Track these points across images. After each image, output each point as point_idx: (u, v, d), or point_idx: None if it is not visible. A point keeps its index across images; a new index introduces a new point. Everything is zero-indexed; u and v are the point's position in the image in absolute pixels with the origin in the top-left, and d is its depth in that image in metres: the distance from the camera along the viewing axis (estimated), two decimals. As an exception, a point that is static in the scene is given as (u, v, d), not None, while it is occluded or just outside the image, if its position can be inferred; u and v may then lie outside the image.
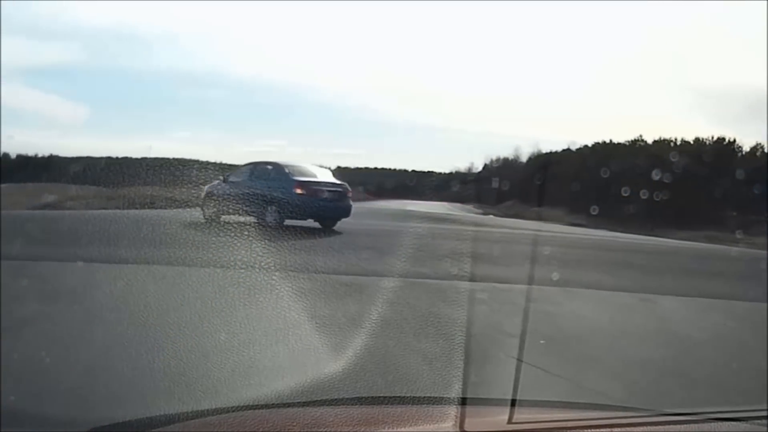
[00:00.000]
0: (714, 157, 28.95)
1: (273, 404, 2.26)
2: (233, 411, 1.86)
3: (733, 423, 1.72)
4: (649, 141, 33.69)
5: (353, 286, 5.62)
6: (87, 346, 3.41)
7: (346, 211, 11.71)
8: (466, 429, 1.52)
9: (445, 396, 2.28)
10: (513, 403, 1.83)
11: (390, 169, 44.07)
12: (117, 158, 19.33)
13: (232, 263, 4.83)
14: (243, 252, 5.07)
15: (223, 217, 10.23)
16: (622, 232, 20.47)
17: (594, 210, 24.80)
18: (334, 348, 3.26)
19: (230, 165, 16.64)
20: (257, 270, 4.55)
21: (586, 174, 30.16)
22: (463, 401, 1.92)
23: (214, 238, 6.66)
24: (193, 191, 10.45)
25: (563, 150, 39.03)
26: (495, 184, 38.81)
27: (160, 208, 10.55)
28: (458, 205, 34.48)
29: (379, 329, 3.92)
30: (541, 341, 4.22)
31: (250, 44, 51.60)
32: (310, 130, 50.52)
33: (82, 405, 2.55)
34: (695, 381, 3.81)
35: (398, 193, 36.72)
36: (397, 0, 45.50)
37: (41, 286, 4.89)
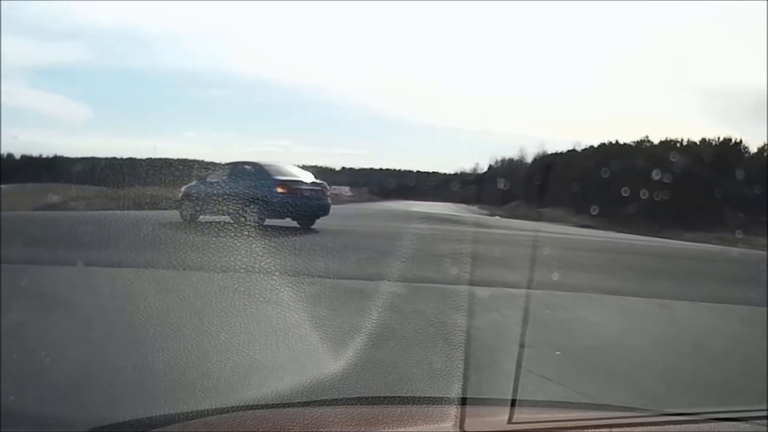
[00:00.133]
0: (721, 157, 28.91)
1: (273, 404, 2.26)
2: (233, 411, 1.86)
3: (733, 423, 1.72)
4: (655, 141, 33.72)
5: (356, 289, 5.49)
6: (87, 346, 3.41)
7: (325, 210, 11.81)
8: (466, 429, 1.52)
9: (445, 396, 2.28)
10: (513, 403, 1.83)
11: (394, 169, 44.02)
12: (121, 158, 19.37)
13: (232, 264, 4.82)
14: (243, 252, 5.06)
15: (201, 217, 10.30)
16: (629, 233, 20.35)
17: (598, 211, 24.79)
18: (334, 348, 3.25)
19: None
20: (257, 270, 4.54)
21: (592, 175, 30.08)
22: (463, 401, 1.91)
23: (213, 239, 6.65)
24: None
25: (568, 150, 39.01)
26: (500, 184, 38.82)
27: (161, 208, 10.59)
28: (463, 205, 34.38)
29: (379, 330, 3.90)
30: (557, 352, 4.10)
31: (254, 44, 51.67)
32: (315, 130, 50.58)
33: (82, 405, 2.55)
34: (726, 393, 3.60)
35: (403, 194, 36.67)
36: (408, 0, 45.40)
37: (41, 286, 4.89)
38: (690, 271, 10.64)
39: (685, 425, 1.73)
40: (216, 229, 6.51)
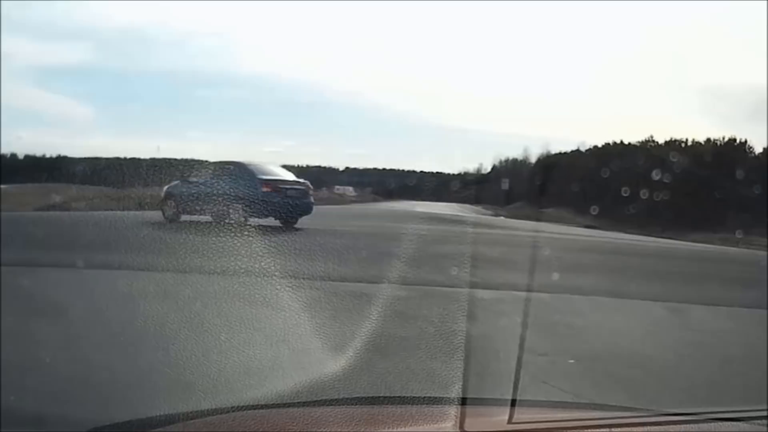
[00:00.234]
0: (725, 158, 28.84)
1: (273, 404, 2.26)
2: (233, 411, 1.86)
3: (733, 423, 1.72)
4: (660, 141, 33.64)
5: (357, 292, 5.32)
6: (87, 346, 3.41)
7: (308, 209, 11.91)
8: (466, 429, 1.52)
9: (445, 396, 2.28)
10: (513, 403, 1.83)
11: (398, 169, 43.95)
12: (125, 158, 19.41)
13: (232, 265, 4.82)
14: (242, 254, 5.07)
15: (184, 216, 10.44)
16: (634, 234, 20.24)
17: (602, 211, 24.73)
18: (334, 348, 3.25)
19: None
20: (257, 271, 4.54)
21: (596, 175, 29.99)
22: (463, 401, 1.92)
23: (213, 239, 6.64)
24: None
25: (573, 151, 38.93)
26: (504, 185, 38.77)
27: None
28: (467, 206, 34.30)
29: (380, 332, 3.88)
30: (570, 360, 3.98)
31: (259, 44, 51.60)
32: (319, 131, 50.45)
33: (82, 405, 2.55)
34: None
35: (407, 194, 36.60)
36: (412, 0, 45.40)
37: (40, 287, 4.89)
38: (702, 273, 10.39)
39: (685, 425, 1.73)
40: (205, 230, 6.49)
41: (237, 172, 11.34)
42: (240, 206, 10.13)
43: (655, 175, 23.05)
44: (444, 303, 5.19)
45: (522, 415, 1.64)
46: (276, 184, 11.18)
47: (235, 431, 1.63)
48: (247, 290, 4.37)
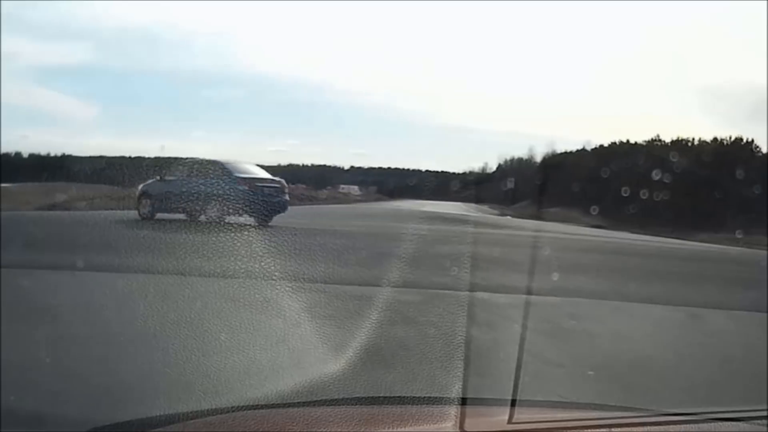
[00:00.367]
0: (731, 157, 28.74)
1: (273, 404, 2.26)
2: (233, 411, 1.86)
3: (733, 423, 1.72)
4: (666, 141, 33.52)
5: (358, 295, 5.16)
6: (87, 346, 3.41)
7: (283, 207, 12.04)
8: (466, 429, 1.52)
9: (445, 396, 2.28)
10: (513, 403, 1.83)
11: (403, 168, 43.84)
12: (130, 157, 19.49)
13: (232, 265, 4.81)
14: (242, 252, 5.05)
15: (159, 214, 10.63)
16: (641, 233, 20.03)
17: (609, 211, 24.65)
18: (334, 348, 3.25)
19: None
20: (257, 272, 4.53)
21: (602, 174, 29.86)
22: (463, 401, 1.92)
23: (212, 238, 6.63)
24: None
25: (578, 150, 38.76)
26: (510, 184, 38.64)
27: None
28: (473, 205, 34.18)
29: (380, 332, 3.87)
30: (590, 372, 3.78)
31: (263, 44, 51.54)
32: (323, 130, 50.43)
33: (82, 405, 2.55)
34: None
35: (412, 193, 36.47)
36: (416, 0, 45.32)
37: (40, 287, 4.89)
38: (718, 275, 10.04)
39: (685, 425, 1.73)
40: (180, 228, 6.38)
41: (212, 170, 11.48)
42: (215, 205, 10.27)
43: (662, 174, 22.91)
44: (453, 307, 4.86)
45: (522, 415, 1.64)
46: (253, 183, 11.29)
47: (235, 431, 1.63)
48: (246, 292, 4.36)
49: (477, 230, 15.87)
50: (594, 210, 26.49)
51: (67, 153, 23.66)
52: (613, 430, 1.61)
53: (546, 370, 3.61)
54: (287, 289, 4.15)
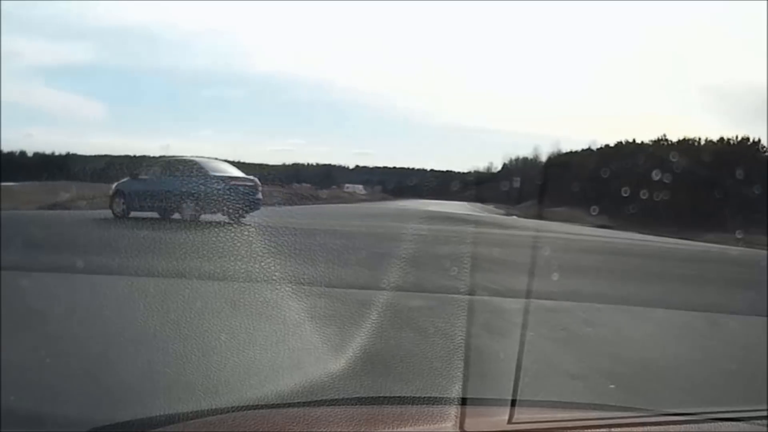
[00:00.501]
0: (739, 156, 28.64)
1: (273, 404, 2.26)
2: (233, 411, 1.86)
3: (733, 423, 1.72)
4: (672, 140, 33.37)
5: (360, 299, 4.99)
6: (87, 346, 3.41)
7: (257, 205, 12.05)
8: (466, 429, 1.52)
9: (445, 396, 2.28)
10: (513, 403, 1.83)
11: (408, 168, 43.72)
12: (132, 156, 19.58)
13: (231, 266, 4.81)
14: (242, 253, 5.05)
15: (133, 213, 10.78)
16: (648, 234, 19.79)
17: (615, 211, 24.51)
18: (334, 348, 3.25)
19: (248, 164, 17.22)
20: (258, 272, 4.52)
21: (608, 174, 29.72)
22: (463, 401, 1.92)
23: (212, 238, 6.63)
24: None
25: (584, 149, 38.60)
26: (515, 184, 38.55)
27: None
28: (478, 205, 34.09)
29: (380, 332, 3.86)
30: (611, 386, 3.58)
31: (267, 43, 51.34)
32: (329, 129, 50.33)
33: (82, 405, 2.55)
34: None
35: (416, 193, 36.36)
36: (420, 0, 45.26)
37: (40, 287, 4.89)
38: (732, 278, 9.58)
39: (685, 425, 1.73)
40: (156, 226, 6.32)
41: (186, 169, 11.57)
42: (191, 203, 10.38)
43: (668, 174, 22.74)
44: (453, 308, 4.80)
45: (522, 415, 1.64)
46: (227, 181, 11.34)
47: (235, 431, 1.63)
48: (246, 292, 4.35)
49: (485, 231, 15.60)
50: (600, 210, 26.39)
51: (68, 152, 23.74)
52: (613, 430, 1.61)
53: (561, 381, 3.53)
54: (288, 290, 4.15)
